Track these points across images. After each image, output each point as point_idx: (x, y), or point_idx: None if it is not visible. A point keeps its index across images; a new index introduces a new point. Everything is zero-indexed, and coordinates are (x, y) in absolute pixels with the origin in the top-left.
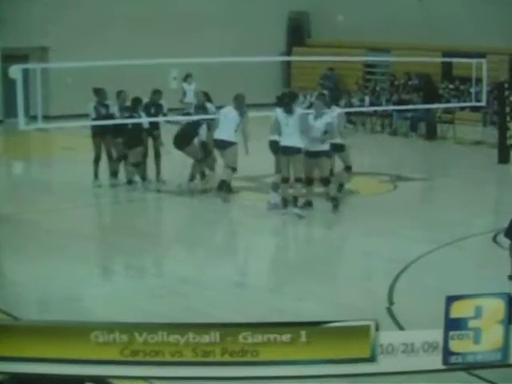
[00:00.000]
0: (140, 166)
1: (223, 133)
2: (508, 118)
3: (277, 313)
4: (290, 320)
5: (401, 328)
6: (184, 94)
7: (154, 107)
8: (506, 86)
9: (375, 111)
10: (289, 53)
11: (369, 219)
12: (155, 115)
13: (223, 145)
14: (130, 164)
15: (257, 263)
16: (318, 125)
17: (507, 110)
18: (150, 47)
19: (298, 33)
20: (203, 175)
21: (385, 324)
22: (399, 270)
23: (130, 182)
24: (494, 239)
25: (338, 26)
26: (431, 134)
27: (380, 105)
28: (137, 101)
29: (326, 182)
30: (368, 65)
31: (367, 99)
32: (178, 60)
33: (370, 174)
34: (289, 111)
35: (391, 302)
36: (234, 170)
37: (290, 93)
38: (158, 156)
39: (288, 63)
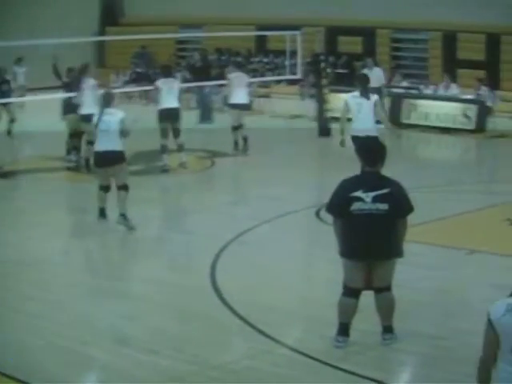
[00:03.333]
0: None
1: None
2: (326, 90)
3: (97, 291)
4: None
5: (224, 303)
6: (14, 76)
7: None
8: (322, 57)
9: (188, 87)
10: (102, 32)
11: (188, 196)
12: None
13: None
14: None
15: (78, 244)
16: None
17: (324, 81)
18: None
19: (110, 12)
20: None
21: (211, 301)
22: (220, 247)
23: None
24: (317, 214)
25: (150, 4)
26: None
27: (195, 81)
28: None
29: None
30: (180, 41)
31: (179, 76)
32: None
33: (187, 151)
34: (365, 95)
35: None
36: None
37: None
38: None
39: (102, 43)
